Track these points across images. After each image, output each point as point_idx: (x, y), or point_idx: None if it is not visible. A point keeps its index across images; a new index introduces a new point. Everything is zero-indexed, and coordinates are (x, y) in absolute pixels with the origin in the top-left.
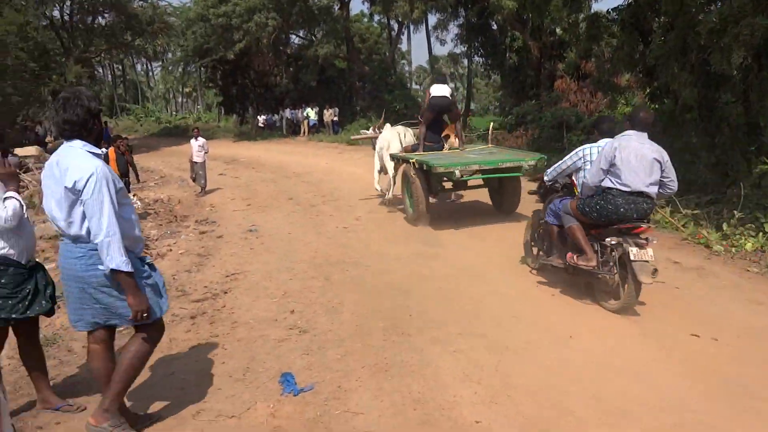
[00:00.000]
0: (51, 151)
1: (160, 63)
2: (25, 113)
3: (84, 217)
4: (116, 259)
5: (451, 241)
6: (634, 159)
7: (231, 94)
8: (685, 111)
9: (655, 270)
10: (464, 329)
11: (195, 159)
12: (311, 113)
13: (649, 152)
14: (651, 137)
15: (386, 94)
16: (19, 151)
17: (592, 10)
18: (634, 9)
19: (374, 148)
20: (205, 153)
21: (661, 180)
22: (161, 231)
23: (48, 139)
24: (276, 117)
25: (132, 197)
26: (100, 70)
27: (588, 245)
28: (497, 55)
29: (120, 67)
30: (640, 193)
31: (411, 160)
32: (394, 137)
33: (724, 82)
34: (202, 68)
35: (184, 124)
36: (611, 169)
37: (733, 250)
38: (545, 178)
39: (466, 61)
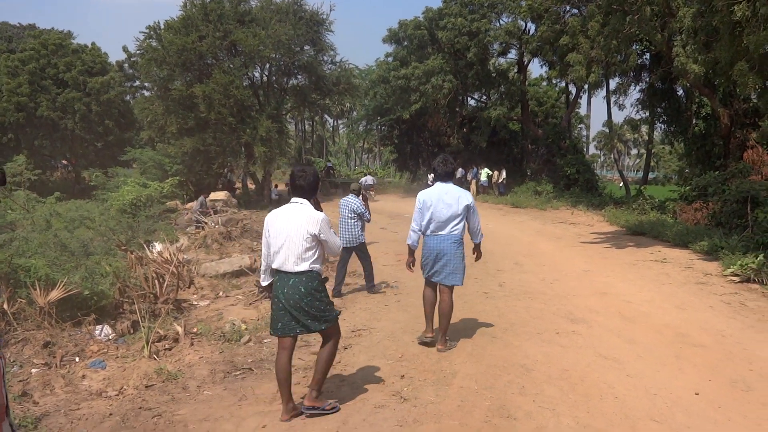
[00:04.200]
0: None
1: (344, 120)
2: (220, 161)
3: (463, 219)
4: (481, 237)
5: (595, 320)
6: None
7: (405, 151)
8: None
9: None
10: (580, 421)
11: None
12: (483, 174)
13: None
14: None
15: (558, 158)
16: (212, 194)
17: None
18: None
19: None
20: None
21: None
22: None
23: (237, 185)
24: None
25: None
26: (292, 126)
27: None
28: (681, 122)
29: (310, 123)
30: None
31: None
32: None
33: None
34: (381, 126)
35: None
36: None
37: None
38: None
39: (646, 128)
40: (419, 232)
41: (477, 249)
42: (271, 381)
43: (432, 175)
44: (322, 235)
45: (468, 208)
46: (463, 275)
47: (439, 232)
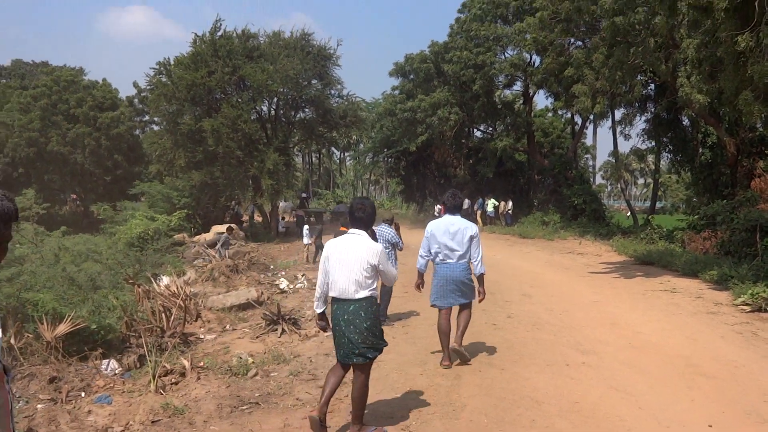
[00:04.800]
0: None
1: (351, 152)
2: (228, 194)
3: (468, 249)
4: (483, 268)
5: (605, 351)
6: None
7: (412, 183)
8: None
9: None
10: None
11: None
12: (490, 205)
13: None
14: None
15: (565, 189)
16: (218, 227)
17: None
18: None
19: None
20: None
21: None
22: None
23: (244, 217)
24: None
25: (301, 276)
26: (299, 159)
27: None
28: (687, 151)
29: (317, 156)
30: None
31: None
32: None
33: None
34: (387, 158)
35: None
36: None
37: None
38: None
39: (652, 157)
40: (426, 258)
41: (480, 282)
42: (278, 415)
43: (439, 206)
44: (380, 266)
45: (472, 238)
46: (475, 293)
47: (448, 261)
